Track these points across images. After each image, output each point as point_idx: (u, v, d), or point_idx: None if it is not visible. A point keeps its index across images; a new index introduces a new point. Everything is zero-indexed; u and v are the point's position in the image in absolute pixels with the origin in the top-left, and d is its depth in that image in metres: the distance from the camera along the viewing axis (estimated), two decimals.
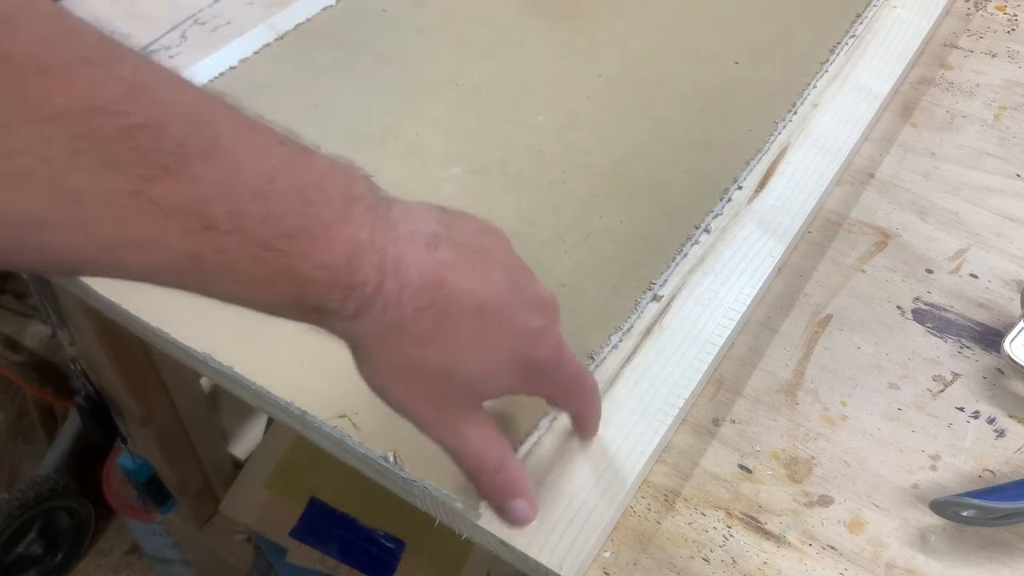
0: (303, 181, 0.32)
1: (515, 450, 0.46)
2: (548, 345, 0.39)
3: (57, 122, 0.25)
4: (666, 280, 0.55)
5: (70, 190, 0.26)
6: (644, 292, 0.54)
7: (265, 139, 0.32)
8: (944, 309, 0.56)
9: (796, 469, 0.48)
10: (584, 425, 0.46)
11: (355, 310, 0.34)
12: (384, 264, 0.34)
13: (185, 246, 0.29)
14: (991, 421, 0.50)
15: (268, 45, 0.72)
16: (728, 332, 0.52)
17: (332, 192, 0.33)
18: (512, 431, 0.47)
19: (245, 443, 1.09)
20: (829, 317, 0.55)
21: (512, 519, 0.41)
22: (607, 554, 0.45)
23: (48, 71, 0.25)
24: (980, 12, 0.78)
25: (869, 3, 0.75)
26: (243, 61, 0.70)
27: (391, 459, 0.45)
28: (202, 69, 0.69)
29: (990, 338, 0.54)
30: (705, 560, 0.45)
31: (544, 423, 0.47)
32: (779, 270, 0.58)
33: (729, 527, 0.46)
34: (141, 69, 0.28)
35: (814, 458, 0.49)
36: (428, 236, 0.35)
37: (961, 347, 0.54)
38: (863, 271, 0.58)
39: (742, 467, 0.49)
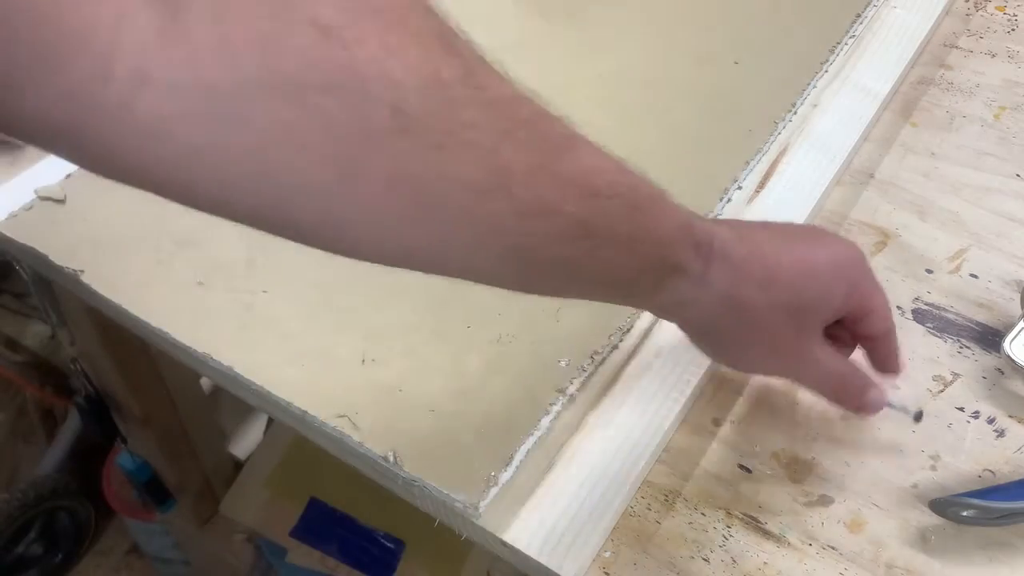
0: (636, 169, 0.38)
1: (517, 450, 0.46)
2: (857, 248, 0.46)
3: (492, 104, 0.32)
4: None
5: (502, 162, 0.31)
6: None
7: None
8: (944, 309, 0.56)
9: (796, 469, 0.48)
10: (887, 357, 0.49)
11: (703, 267, 0.39)
12: (705, 228, 0.40)
13: (577, 211, 0.34)
14: (991, 421, 0.50)
15: None
16: None
17: (649, 179, 0.39)
18: (513, 431, 0.47)
19: (245, 443, 1.09)
20: None
21: (868, 410, 0.47)
22: (607, 554, 0.45)
23: (483, 66, 0.33)
24: (980, 12, 0.78)
25: (869, 3, 0.75)
26: None
27: (391, 459, 0.45)
28: None
29: (990, 338, 0.54)
30: (705, 560, 0.45)
31: (544, 423, 0.47)
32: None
33: (729, 527, 0.46)
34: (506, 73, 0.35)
35: (814, 458, 0.49)
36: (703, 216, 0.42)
37: (961, 347, 0.54)
38: None
39: (742, 467, 0.49)
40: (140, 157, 0.27)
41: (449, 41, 0.32)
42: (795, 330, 0.43)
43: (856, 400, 0.46)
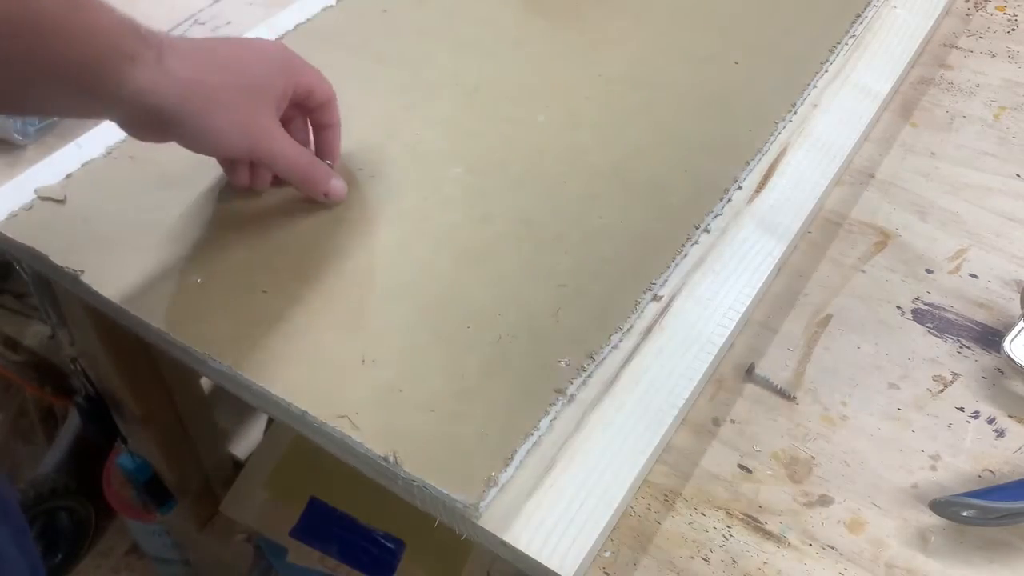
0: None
1: (517, 450, 0.46)
2: (287, 49, 0.56)
3: None
4: (666, 280, 0.55)
5: None
6: (644, 292, 0.54)
7: None
8: (944, 309, 0.56)
9: (796, 469, 0.48)
10: (331, 143, 0.59)
11: (156, 56, 0.45)
12: (150, 30, 0.46)
13: (13, 10, 0.38)
14: (991, 421, 0.50)
15: None
16: (728, 332, 0.52)
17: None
18: (513, 431, 0.47)
19: (245, 443, 1.09)
20: (829, 317, 0.55)
21: (336, 197, 0.57)
22: (607, 554, 0.45)
23: None
24: (980, 12, 0.78)
25: (869, 3, 0.75)
26: None
27: (391, 459, 0.45)
28: None
29: (990, 338, 0.54)
30: (705, 560, 0.45)
31: (544, 423, 0.47)
32: (779, 270, 0.58)
33: (729, 527, 0.46)
34: None
35: (814, 458, 0.49)
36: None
37: (961, 347, 0.54)
38: (863, 271, 0.58)
39: (742, 467, 0.49)
40: None
41: None
42: (253, 107, 0.51)
43: (322, 185, 0.56)
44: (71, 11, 0.41)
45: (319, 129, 0.58)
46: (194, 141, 0.50)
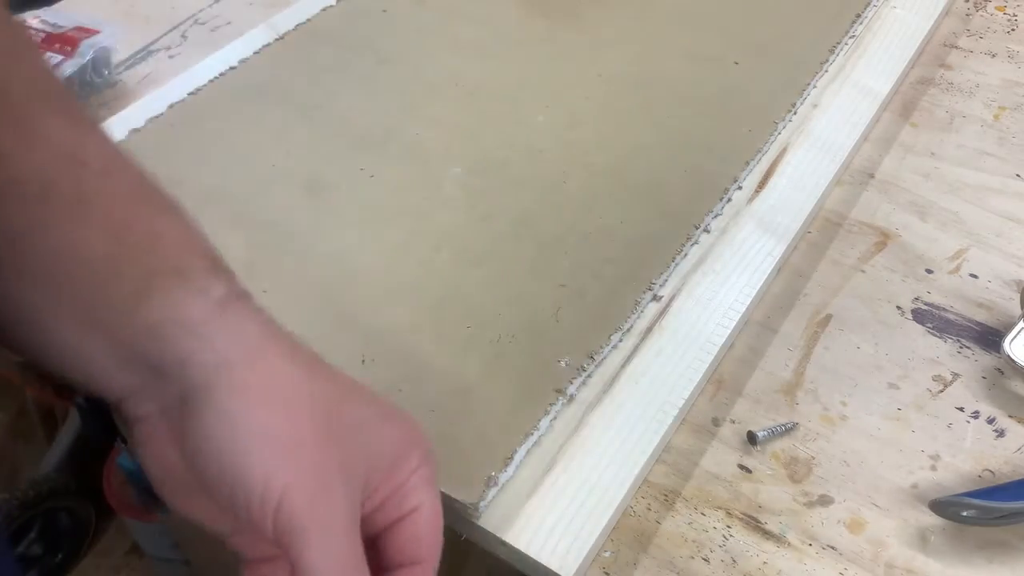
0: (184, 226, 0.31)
1: (517, 450, 0.46)
2: (430, 455, 0.36)
3: None
4: (666, 280, 0.55)
5: None
6: (644, 292, 0.54)
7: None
8: (944, 309, 0.56)
9: (796, 469, 0.48)
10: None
11: (223, 291, 0.30)
12: (235, 276, 0.32)
13: (41, 171, 0.28)
14: (991, 421, 0.50)
15: (268, 45, 0.72)
16: (728, 332, 0.52)
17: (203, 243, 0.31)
18: (513, 431, 0.47)
19: None
20: (829, 317, 0.55)
21: None
22: (607, 554, 0.45)
23: None
24: (980, 12, 0.78)
25: (869, 3, 0.75)
26: (243, 61, 0.70)
27: None
28: (202, 69, 0.69)
29: (990, 338, 0.54)
30: (705, 560, 0.45)
31: (544, 423, 0.47)
32: (779, 270, 0.58)
33: (729, 527, 0.46)
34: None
35: (814, 458, 0.49)
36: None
37: (961, 347, 0.54)
38: (863, 271, 0.58)
39: (742, 467, 0.49)
40: None
41: None
42: (334, 452, 0.30)
43: None
44: (127, 200, 0.29)
45: (396, 537, 0.34)
46: (201, 444, 0.29)
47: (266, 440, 0.29)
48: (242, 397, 0.29)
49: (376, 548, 0.33)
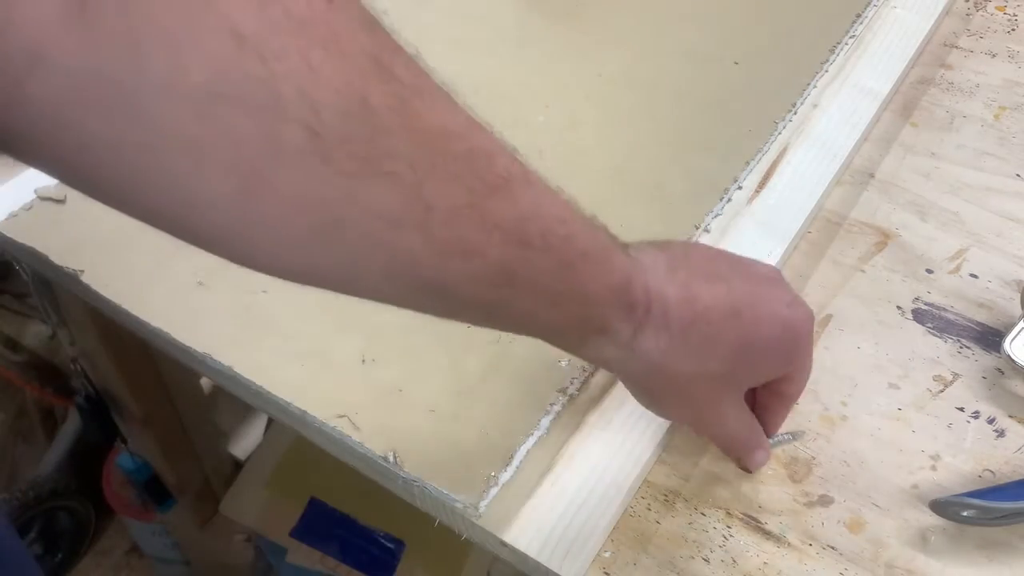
0: (585, 216, 0.37)
1: (517, 450, 0.46)
2: (806, 319, 0.43)
3: (422, 136, 0.29)
4: None
5: (424, 196, 0.29)
6: None
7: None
8: (944, 309, 0.56)
9: (796, 469, 0.48)
10: (775, 417, 0.47)
11: (632, 332, 0.38)
12: (648, 289, 0.38)
13: (502, 256, 0.32)
14: (991, 421, 0.50)
15: None
16: None
17: (601, 228, 0.38)
18: (513, 431, 0.47)
19: (245, 443, 1.09)
20: (829, 317, 0.55)
21: (753, 468, 0.48)
22: (607, 554, 0.45)
23: (422, 94, 0.30)
24: (980, 12, 0.78)
25: (869, 3, 0.75)
26: None
27: (391, 459, 0.45)
28: None
29: (990, 338, 0.54)
30: (705, 560, 0.45)
31: (544, 423, 0.47)
32: (779, 270, 0.57)
33: (729, 527, 0.46)
34: (463, 105, 0.33)
35: (814, 458, 0.49)
36: (666, 262, 0.40)
37: (961, 347, 0.54)
38: (863, 271, 0.58)
39: (741, 467, 0.48)
40: (36, 141, 0.26)
41: (386, 63, 0.29)
42: (719, 395, 0.42)
43: (744, 458, 0.47)
44: (562, 270, 0.35)
45: (770, 395, 0.46)
46: (637, 396, 0.43)
47: (673, 414, 0.45)
48: (654, 399, 0.43)
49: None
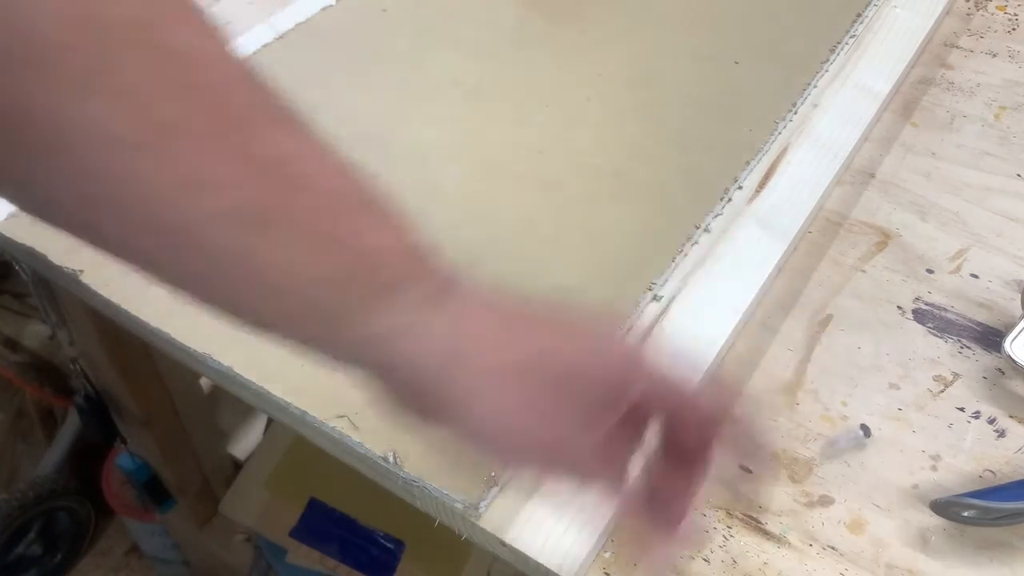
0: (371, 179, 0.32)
1: None
2: (629, 353, 0.36)
3: (174, 62, 0.27)
4: (666, 280, 0.55)
5: (158, 118, 0.26)
6: (644, 292, 0.54)
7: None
8: (944, 309, 0.56)
9: (796, 469, 0.48)
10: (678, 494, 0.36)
11: (432, 291, 0.32)
12: (450, 265, 0.33)
13: (256, 194, 0.28)
14: (991, 421, 0.50)
15: (268, 45, 0.72)
16: (728, 332, 0.52)
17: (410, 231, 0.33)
18: None
19: (245, 443, 1.09)
20: (829, 317, 0.55)
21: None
22: (607, 554, 0.45)
23: (167, 16, 0.27)
24: (980, 12, 0.78)
25: (869, 3, 0.75)
26: None
27: (391, 459, 0.45)
28: None
29: (990, 338, 0.54)
30: (705, 560, 0.45)
31: None
32: (779, 270, 0.57)
33: (729, 527, 0.46)
34: (225, 38, 0.30)
35: (814, 458, 0.49)
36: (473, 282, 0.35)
37: (961, 347, 0.54)
38: (863, 271, 0.58)
39: (742, 467, 0.48)
40: None
41: None
42: (552, 404, 0.33)
43: (650, 550, 0.36)
44: (333, 213, 0.30)
45: (677, 457, 0.35)
46: (456, 430, 0.34)
47: (495, 438, 0.33)
48: (465, 406, 0.32)
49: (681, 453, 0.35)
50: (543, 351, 0.33)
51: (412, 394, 0.33)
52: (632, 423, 0.34)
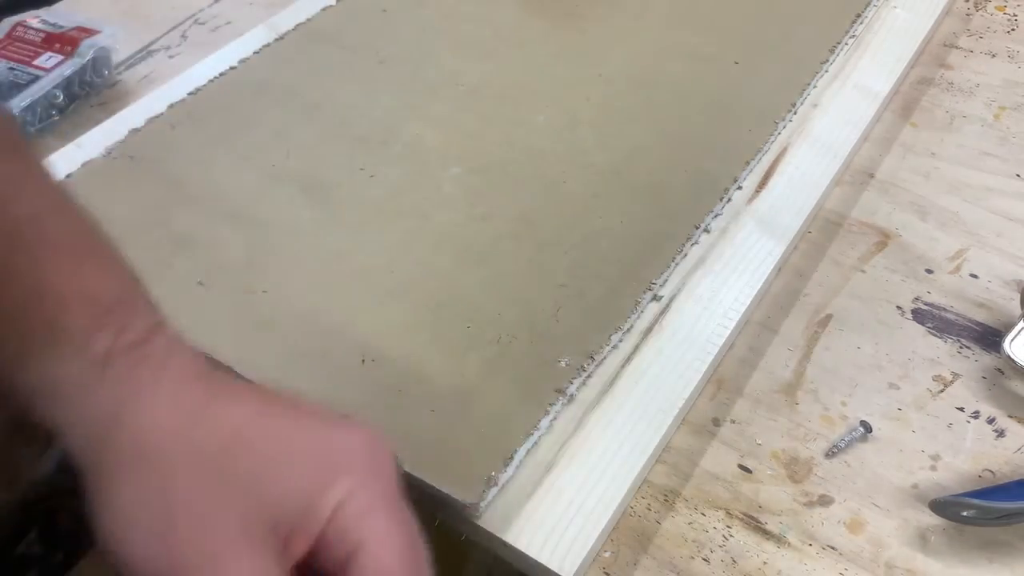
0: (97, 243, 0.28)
1: (517, 450, 0.46)
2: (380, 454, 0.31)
3: None
4: (666, 280, 0.55)
5: None
6: (644, 292, 0.54)
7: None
8: (944, 309, 0.56)
9: (796, 469, 0.48)
10: None
11: (110, 342, 0.27)
12: (154, 324, 0.29)
13: None
14: (991, 421, 0.50)
15: (268, 45, 0.72)
16: (728, 332, 0.52)
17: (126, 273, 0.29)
18: (513, 431, 0.47)
19: None
20: (829, 317, 0.55)
21: None
22: (607, 554, 0.45)
23: None
24: (980, 12, 0.78)
25: (869, 3, 0.75)
26: (243, 61, 0.70)
27: None
28: (202, 69, 0.69)
29: (990, 338, 0.54)
30: (705, 560, 0.45)
31: (544, 423, 0.47)
32: (779, 270, 0.58)
33: (729, 527, 0.46)
34: None
35: (814, 458, 0.49)
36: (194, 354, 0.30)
37: (961, 347, 0.54)
38: (863, 271, 0.58)
39: (742, 467, 0.49)
40: None
41: None
42: (208, 504, 0.26)
43: None
44: (15, 247, 0.26)
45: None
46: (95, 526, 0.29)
47: (138, 528, 0.27)
48: (111, 482, 0.27)
49: None
50: (241, 436, 0.27)
51: (81, 471, 0.27)
52: None
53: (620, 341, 0.52)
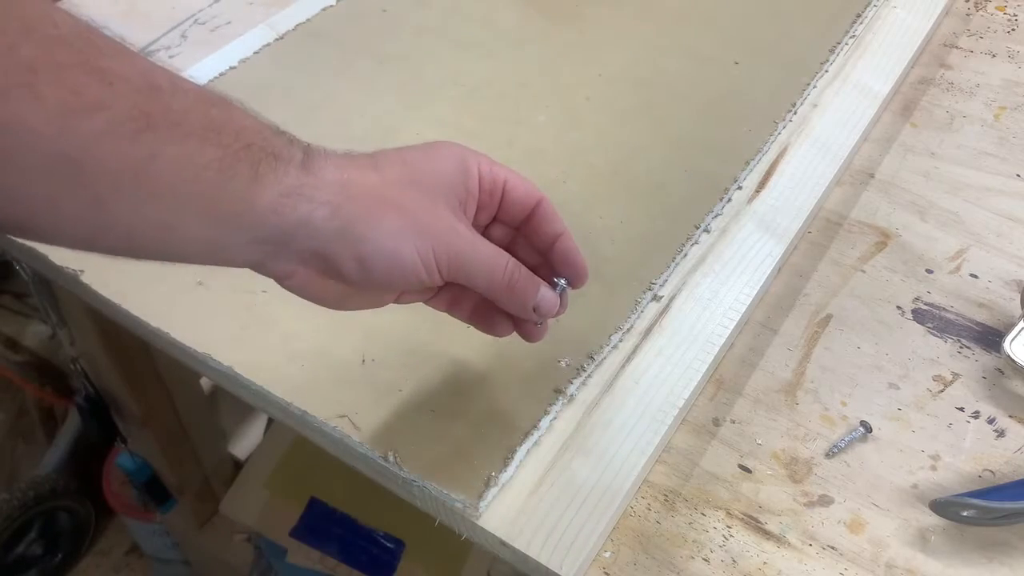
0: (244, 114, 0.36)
1: (517, 450, 0.46)
2: (464, 149, 0.43)
3: (11, 11, 0.29)
4: (666, 280, 0.55)
5: (19, 59, 0.28)
6: (644, 292, 0.54)
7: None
8: (944, 309, 0.56)
9: (796, 469, 0.48)
10: (566, 255, 0.45)
11: (302, 155, 0.36)
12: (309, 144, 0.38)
13: (131, 104, 0.31)
14: (991, 421, 0.50)
15: (268, 45, 0.72)
16: (728, 332, 0.52)
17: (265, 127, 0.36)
18: (513, 431, 0.47)
19: (245, 443, 1.09)
20: (829, 317, 0.55)
21: (546, 312, 0.43)
22: (607, 554, 0.45)
23: None
24: (980, 12, 0.78)
25: (869, 3, 0.75)
26: (243, 61, 0.70)
27: (391, 459, 0.45)
28: (202, 69, 0.69)
29: (990, 338, 0.54)
30: (705, 560, 0.45)
31: (544, 423, 0.47)
32: (779, 270, 0.58)
33: (729, 527, 0.46)
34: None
35: (814, 458, 0.49)
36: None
37: (961, 347, 0.54)
38: (863, 271, 0.58)
39: (742, 467, 0.49)
40: None
41: None
42: (426, 200, 0.39)
43: (530, 297, 0.42)
44: (203, 106, 0.33)
45: (545, 245, 0.44)
46: (360, 267, 0.38)
47: (400, 235, 0.38)
48: (366, 221, 0.37)
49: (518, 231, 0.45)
50: (410, 170, 0.40)
51: (305, 249, 0.37)
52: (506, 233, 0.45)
53: (620, 341, 0.52)
